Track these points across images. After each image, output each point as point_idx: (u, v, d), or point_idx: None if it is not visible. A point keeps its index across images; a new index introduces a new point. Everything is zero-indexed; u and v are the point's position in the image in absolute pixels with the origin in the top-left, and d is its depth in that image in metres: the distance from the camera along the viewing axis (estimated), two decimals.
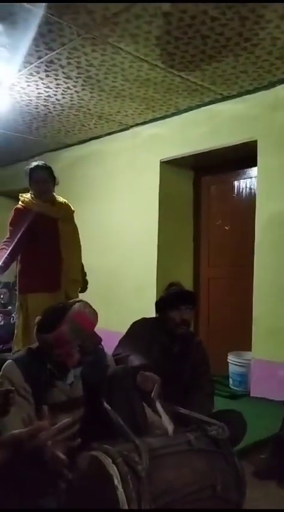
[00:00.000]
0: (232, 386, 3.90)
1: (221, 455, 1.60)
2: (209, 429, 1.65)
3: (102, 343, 2.10)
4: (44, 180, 3.23)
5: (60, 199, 3.37)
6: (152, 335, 2.35)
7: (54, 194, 3.35)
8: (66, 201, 3.39)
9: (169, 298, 2.38)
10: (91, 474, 1.34)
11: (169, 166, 4.50)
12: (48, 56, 3.22)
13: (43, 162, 3.35)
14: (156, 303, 2.45)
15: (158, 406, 1.77)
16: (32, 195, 3.26)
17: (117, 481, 1.26)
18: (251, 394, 3.68)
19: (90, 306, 1.90)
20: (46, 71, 3.47)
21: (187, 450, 1.54)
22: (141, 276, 4.50)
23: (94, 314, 1.89)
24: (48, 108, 4.25)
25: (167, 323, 2.36)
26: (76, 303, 1.88)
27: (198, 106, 4.08)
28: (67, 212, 3.34)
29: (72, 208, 3.41)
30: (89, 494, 1.34)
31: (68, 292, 3.19)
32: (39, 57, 3.25)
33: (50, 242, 3.19)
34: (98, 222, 5.03)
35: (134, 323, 2.50)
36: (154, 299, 4.42)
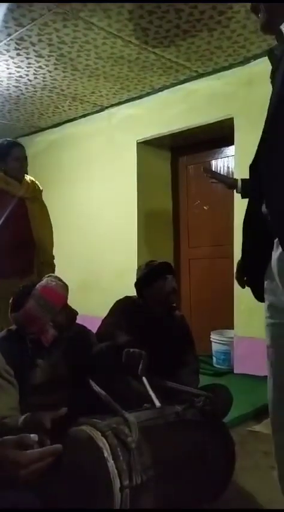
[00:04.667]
0: (215, 365, 3.94)
1: (209, 426, 1.60)
2: (196, 400, 1.64)
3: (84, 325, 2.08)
4: (25, 157, 3.04)
5: (27, 177, 3.14)
6: (135, 312, 2.33)
7: None
8: (33, 179, 3.17)
9: (156, 269, 2.37)
10: (81, 448, 1.31)
11: (147, 146, 4.45)
12: (18, 32, 3.11)
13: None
14: (138, 280, 2.43)
15: (144, 381, 1.75)
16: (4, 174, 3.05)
17: (107, 454, 1.24)
18: (235, 371, 3.72)
19: (59, 279, 1.86)
20: (16, 49, 3.36)
21: (176, 421, 1.54)
22: (121, 260, 4.46)
23: (63, 287, 1.83)
24: (20, 90, 4.13)
25: (154, 297, 2.34)
26: (43, 279, 1.84)
27: (174, 84, 4.03)
28: (35, 191, 3.12)
29: (40, 187, 3.19)
30: (79, 468, 1.32)
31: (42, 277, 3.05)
32: (9, 34, 3.14)
33: (19, 223, 2.98)
34: (76, 207, 4.96)
35: (117, 301, 2.47)
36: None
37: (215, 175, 2.25)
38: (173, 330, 2.41)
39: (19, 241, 2.97)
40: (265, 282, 1.34)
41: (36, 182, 3.19)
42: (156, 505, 1.39)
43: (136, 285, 2.46)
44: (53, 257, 3.20)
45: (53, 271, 3.11)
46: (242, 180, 2.18)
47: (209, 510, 1.48)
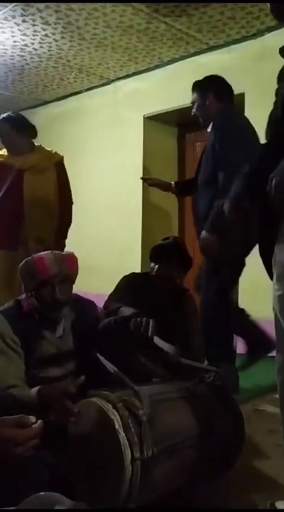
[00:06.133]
0: None
1: (219, 401, 1.58)
2: (207, 376, 1.62)
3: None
4: (4, 134, 2.95)
5: (39, 148, 3.04)
6: (142, 288, 2.29)
7: (35, 144, 3.06)
8: (49, 149, 3.07)
9: (159, 250, 2.31)
10: (92, 420, 1.29)
11: (153, 122, 4.36)
12: None
13: (8, 114, 3.00)
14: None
15: (156, 339, 1.72)
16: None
17: (118, 425, 1.22)
18: (238, 351, 3.70)
19: (58, 253, 1.78)
20: (22, 15, 3.25)
21: (186, 396, 1.51)
22: (125, 238, 4.41)
23: (55, 260, 1.73)
24: (25, 59, 4.01)
25: (155, 277, 2.29)
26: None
27: (183, 57, 3.93)
28: (40, 162, 2.97)
29: (55, 158, 3.05)
30: (90, 439, 1.30)
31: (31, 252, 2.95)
32: None
33: (12, 195, 2.87)
34: (80, 183, 4.87)
35: (123, 277, 2.43)
36: (139, 261, 4.33)
37: (151, 180, 2.93)
38: (181, 306, 2.38)
39: (8, 214, 2.89)
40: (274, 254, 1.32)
41: (52, 153, 3.06)
42: (166, 478, 1.38)
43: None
44: (46, 233, 2.97)
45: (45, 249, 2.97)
46: (176, 183, 2.92)
47: (209, 510, 1.47)
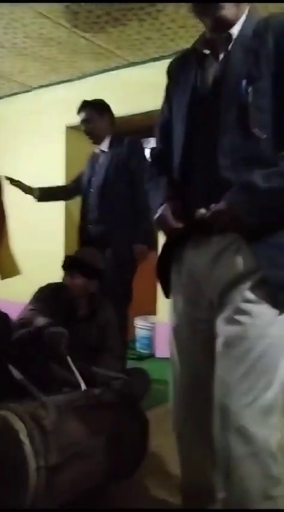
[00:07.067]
0: (139, 350, 4.06)
1: (126, 407, 1.67)
2: (114, 383, 1.71)
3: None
4: None
5: None
6: (57, 298, 2.34)
7: None
8: None
9: (64, 264, 2.37)
10: None
11: (77, 132, 4.39)
12: None
13: None
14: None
15: (69, 360, 1.79)
16: None
17: (23, 435, 1.27)
18: (157, 355, 3.86)
19: None
20: None
21: (94, 404, 1.59)
22: (47, 248, 4.39)
23: None
24: None
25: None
26: None
27: (105, 71, 4.03)
28: None
29: None
30: None
31: None
32: None
33: None
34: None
35: (39, 288, 2.46)
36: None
37: (14, 182, 2.95)
38: (96, 315, 2.45)
39: None
40: None
41: None
42: (72, 484, 1.44)
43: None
44: None
45: None
46: (39, 188, 3.10)
47: (209, 510, 1.55)
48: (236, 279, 1.14)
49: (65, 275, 2.29)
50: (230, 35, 1.19)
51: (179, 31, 3.28)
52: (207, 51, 1.24)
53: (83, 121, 2.92)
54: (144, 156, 2.88)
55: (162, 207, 1.26)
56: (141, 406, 1.92)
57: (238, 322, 1.12)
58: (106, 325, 2.46)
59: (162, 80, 4.12)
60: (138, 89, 3.89)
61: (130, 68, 3.92)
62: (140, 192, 2.75)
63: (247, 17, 1.19)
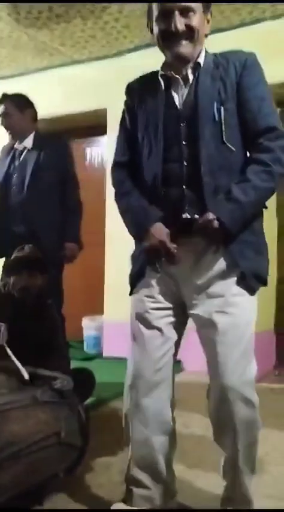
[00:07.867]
0: (86, 350, 4.04)
1: (66, 405, 1.66)
2: (54, 383, 1.69)
3: None
4: None
5: None
6: (2, 298, 2.28)
7: None
8: None
9: (12, 263, 2.31)
10: None
11: None
12: None
13: None
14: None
15: (8, 351, 1.75)
16: None
17: None
18: (104, 355, 3.86)
19: None
20: None
21: (33, 403, 1.57)
22: None
23: None
24: None
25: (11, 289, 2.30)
26: None
27: (48, 67, 3.97)
28: None
29: None
30: None
31: None
32: None
33: None
34: None
35: None
36: None
37: None
38: (39, 317, 2.41)
39: None
40: None
41: None
42: (12, 484, 1.42)
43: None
44: None
45: None
46: None
47: (209, 510, 1.54)
48: (220, 276, 1.37)
49: (18, 276, 2.22)
50: (199, 64, 1.42)
51: (123, 30, 3.30)
52: (177, 76, 1.43)
53: (2, 114, 2.76)
54: (72, 155, 2.85)
55: (156, 226, 1.40)
56: (85, 405, 1.92)
57: (230, 314, 1.36)
58: (53, 324, 2.43)
59: (105, 80, 4.15)
60: (82, 87, 3.87)
61: (75, 65, 3.89)
62: (71, 192, 2.74)
63: (206, 52, 1.45)
